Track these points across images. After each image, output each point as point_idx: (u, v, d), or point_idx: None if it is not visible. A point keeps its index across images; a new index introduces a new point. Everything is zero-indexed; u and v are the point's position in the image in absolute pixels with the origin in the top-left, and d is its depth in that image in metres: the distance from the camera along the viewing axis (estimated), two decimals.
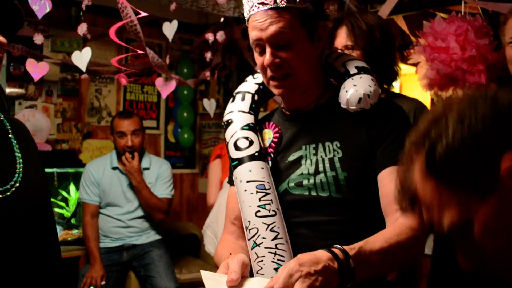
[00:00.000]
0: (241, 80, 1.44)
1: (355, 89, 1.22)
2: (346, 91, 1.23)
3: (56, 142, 3.66)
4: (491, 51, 2.30)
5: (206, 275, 1.04)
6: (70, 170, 3.49)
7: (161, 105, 4.25)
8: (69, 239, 3.31)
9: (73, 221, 3.47)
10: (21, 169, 1.20)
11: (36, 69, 2.82)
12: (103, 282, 2.89)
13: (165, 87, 2.85)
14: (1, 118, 1.23)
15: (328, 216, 1.20)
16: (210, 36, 3.19)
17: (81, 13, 2.97)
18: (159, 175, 3.17)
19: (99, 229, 3.08)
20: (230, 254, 1.16)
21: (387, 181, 1.18)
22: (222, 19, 3.53)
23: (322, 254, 0.99)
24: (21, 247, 1.17)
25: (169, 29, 2.74)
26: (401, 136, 1.20)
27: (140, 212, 3.10)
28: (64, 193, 3.48)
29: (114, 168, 3.12)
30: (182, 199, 4.43)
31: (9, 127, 1.24)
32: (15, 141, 1.23)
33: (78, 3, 2.76)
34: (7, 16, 1.21)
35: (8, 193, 1.14)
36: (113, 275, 2.98)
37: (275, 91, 1.26)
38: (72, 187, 3.49)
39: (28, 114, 3.40)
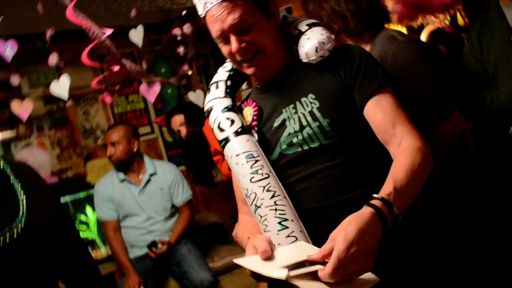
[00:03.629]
0: (219, 64, 1.55)
1: (309, 41, 1.31)
2: (303, 46, 1.32)
3: (60, 172, 3.73)
4: None
5: (241, 261, 1.09)
6: (82, 194, 3.58)
7: (150, 110, 4.30)
8: (100, 258, 3.42)
9: (98, 241, 3.56)
10: (24, 211, 1.20)
11: (22, 108, 2.88)
12: None
13: (150, 91, 2.91)
14: (2, 166, 1.25)
15: (325, 163, 1.28)
16: (177, 31, 3.22)
17: (46, 46, 3.00)
18: (171, 182, 3.27)
19: (125, 241, 3.17)
20: (248, 238, 1.23)
21: (375, 112, 1.26)
22: (184, 12, 3.55)
23: (367, 218, 1.03)
24: (43, 278, 1.19)
25: (136, 35, 2.79)
26: (370, 69, 1.29)
27: (158, 216, 3.19)
28: (83, 217, 3.57)
29: (122, 181, 3.20)
30: (196, 193, 4.51)
31: (9, 172, 1.25)
32: (18, 184, 1.25)
33: (42, 35, 2.80)
34: None
35: (14, 236, 1.15)
36: (149, 280, 3.08)
37: (248, 71, 1.35)
38: (88, 209, 3.58)
39: (26, 154, 3.47)
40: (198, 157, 3.31)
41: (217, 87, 1.45)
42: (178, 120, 3.26)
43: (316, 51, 1.30)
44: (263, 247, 1.09)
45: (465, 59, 2.01)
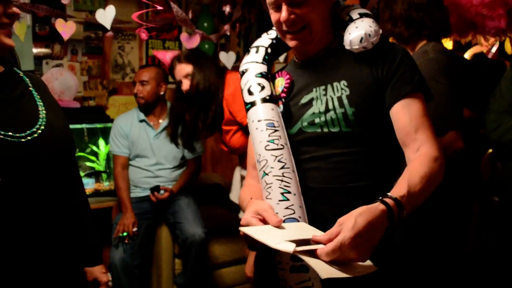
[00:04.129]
0: (261, 32, 1.56)
1: (356, 30, 1.33)
2: (349, 33, 1.34)
3: (83, 99, 3.79)
4: None
5: (247, 230, 1.14)
6: (98, 125, 3.64)
7: None
8: (101, 190, 3.50)
9: (103, 174, 3.64)
10: (44, 115, 1.27)
11: (65, 28, 2.91)
12: (134, 229, 3.07)
13: (190, 41, 2.92)
14: (21, 75, 1.32)
15: (340, 149, 1.32)
16: None
17: None
18: None
19: (130, 179, 3.24)
20: (251, 198, 1.31)
21: (401, 114, 1.29)
22: None
23: (378, 214, 1.07)
24: (48, 188, 1.24)
25: None
26: (408, 72, 1.32)
27: (166, 164, 3.25)
28: (94, 148, 3.65)
29: (141, 121, 3.26)
30: (206, 151, 4.55)
31: (28, 81, 1.32)
32: (36, 93, 1.31)
33: None
34: None
35: (35, 135, 1.21)
36: (144, 222, 3.16)
37: (290, 43, 1.38)
38: (101, 142, 3.65)
39: (56, 73, 3.52)
40: (189, 120, 2.87)
41: (257, 51, 1.48)
42: (184, 70, 2.81)
43: (361, 41, 1.32)
44: (276, 218, 1.15)
45: (502, 85, 2.01)
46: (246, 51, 1.52)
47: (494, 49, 3.06)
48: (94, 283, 1.58)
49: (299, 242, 1.02)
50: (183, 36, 2.92)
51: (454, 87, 1.94)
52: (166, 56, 3.10)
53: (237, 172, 2.96)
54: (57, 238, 1.30)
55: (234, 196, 2.95)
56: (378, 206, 1.08)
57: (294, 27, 1.33)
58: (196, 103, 2.77)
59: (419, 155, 1.25)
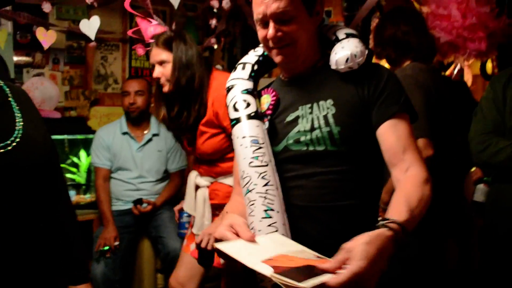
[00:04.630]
0: (246, 46, 1.57)
1: (342, 50, 1.34)
2: (335, 53, 1.35)
3: (64, 110, 3.74)
4: (492, 18, 2.36)
5: (223, 247, 1.11)
6: (79, 136, 3.58)
7: None
8: (82, 203, 3.44)
9: (84, 186, 3.58)
10: (21, 127, 1.23)
11: (46, 37, 2.88)
12: (116, 243, 3.01)
13: None
14: (1, 84, 1.28)
15: (325, 168, 1.32)
16: (215, 3, 3.22)
17: None
18: (170, 147, 3.27)
19: (111, 192, 3.19)
20: (227, 212, 1.32)
21: (389, 134, 1.30)
22: None
23: (386, 241, 1.03)
24: (25, 203, 1.19)
25: None
26: (394, 92, 1.33)
27: (149, 177, 3.21)
28: (75, 159, 3.58)
29: (124, 133, 3.22)
30: (189, 163, 4.53)
31: (8, 91, 1.28)
32: (15, 104, 1.27)
33: None
34: None
35: (9, 148, 1.17)
36: (125, 236, 3.11)
37: (276, 59, 1.39)
38: (82, 153, 3.59)
39: (37, 82, 3.47)
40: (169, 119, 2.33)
41: (243, 68, 1.49)
42: (159, 56, 2.24)
43: (347, 61, 1.33)
44: (249, 233, 1.15)
45: (484, 106, 2.05)
46: (230, 64, 1.52)
47: (455, 71, 3.12)
48: None
49: (301, 270, 0.98)
50: None
51: (428, 100, 2.05)
52: (149, 28, 2.58)
53: (192, 177, 2.44)
54: (37, 254, 1.25)
55: (187, 206, 2.49)
56: (385, 233, 1.05)
57: (279, 44, 1.33)
58: (177, 100, 2.24)
59: (409, 176, 1.25)
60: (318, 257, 1.06)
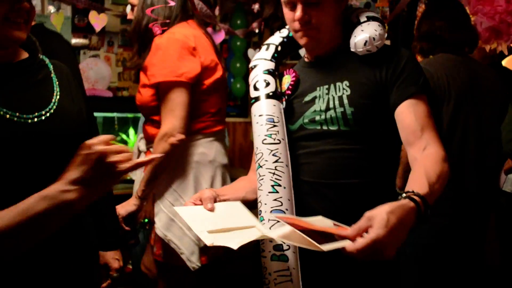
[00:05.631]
0: None
1: (362, 33, 1.35)
2: (355, 36, 1.37)
3: (117, 89, 3.94)
4: None
5: (179, 210, 1.18)
6: (129, 115, 3.77)
7: None
8: (128, 178, 3.63)
9: None
10: (57, 100, 1.31)
11: (98, 20, 3.05)
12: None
13: (214, 36, 2.99)
14: (46, 62, 1.38)
15: (337, 145, 1.35)
16: None
17: None
18: None
19: None
20: (206, 188, 1.34)
21: (407, 113, 1.30)
22: None
23: (408, 211, 1.02)
24: (58, 170, 1.21)
25: None
26: (413, 74, 1.34)
27: None
28: (124, 136, 3.78)
29: None
30: (235, 147, 4.64)
31: (51, 68, 1.38)
32: (56, 79, 1.36)
33: None
34: None
35: (43, 118, 1.24)
36: None
37: (301, 41, 1.41)
38: (131, 131, 3.78)
39: (91, 63, 3.69)
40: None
41: (267, 48, 1.53)
42: None
43: (365, 44, 1.34)
44: (209, 205, 1.21)
45: None
46: None
47: None
48: (105, 267, 1.60)
49: (320, 233, 0.97)
50: (209, 29, 2.99)
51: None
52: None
53: (138, 138, 2.27)
54: (70, 220, 1.36)
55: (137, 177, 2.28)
56: (408, 204, 1.04)
57: (305, 26, 1.36)
58: (135, 41, 2.15)
59: (428, 153, 1.25)
60: (337, 225, 1.06)
